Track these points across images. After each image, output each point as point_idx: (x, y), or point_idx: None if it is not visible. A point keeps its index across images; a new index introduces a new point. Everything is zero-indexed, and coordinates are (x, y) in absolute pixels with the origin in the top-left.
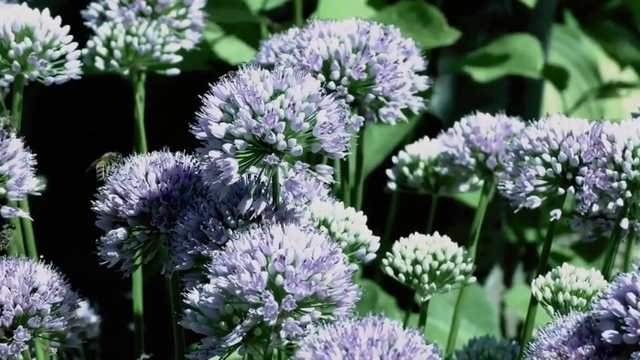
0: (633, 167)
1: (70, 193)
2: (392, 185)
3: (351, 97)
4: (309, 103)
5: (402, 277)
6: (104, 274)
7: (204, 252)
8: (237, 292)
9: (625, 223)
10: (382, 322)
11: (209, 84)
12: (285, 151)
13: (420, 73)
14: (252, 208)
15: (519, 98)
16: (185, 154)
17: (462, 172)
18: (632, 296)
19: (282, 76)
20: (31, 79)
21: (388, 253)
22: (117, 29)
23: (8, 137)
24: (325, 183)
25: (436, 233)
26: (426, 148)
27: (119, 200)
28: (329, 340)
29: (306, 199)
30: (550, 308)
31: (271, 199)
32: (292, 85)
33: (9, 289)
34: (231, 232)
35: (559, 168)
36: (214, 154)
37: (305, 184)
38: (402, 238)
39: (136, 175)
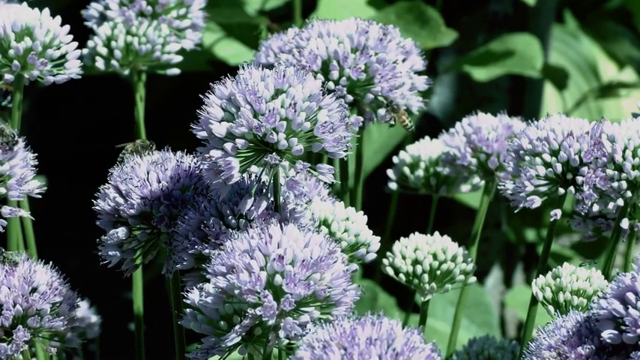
0: (633, 167)
1: (71, 192)
2: (392, 185)
3: (350, 97)
4: (310, 103)
5: (402, 277)
6: (104, 274)
7: (205, 251)
8: (236, 291)
9: (625, 223)
10: (381, 321)
11: (210, 84)
12: (286, 150)
13: (419, 73)
14: (252, 208)
15: (519, 98)
16: (186, 154)
17: (464, 173)
18: (631, 296)
19: (283, 76)
20: (31, 79)
21: (388, 253)
22: (117, 29)
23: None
24: (325, 183)
25: (436, 233)
26: (426, 148)
27: (120, 199)
28: (327, 339)
29: (307, 198)
30: (550, 308)
31: (272, 199)
32: (293, 85)
33: (8, 288)
34: (231, 231)
35: (559, 168)
36: (215, 153)
37: (305, 184)
38: (402, 238)
39: (137, 175)
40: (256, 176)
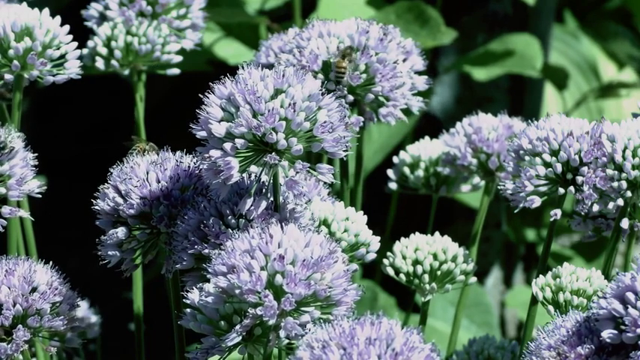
0: (633, 167)
1: (71, 192)
2: (393, 185)
3: (350, 97)
4: (310, 103)
5: (402, 277)
6: (104, 274)
7: (205, 251)
8: (237, 291)
9: (625, 223)
10: (380, 321)
11: (209, 84)
12: (285, 150)
13: (419, 73)
14: (252, 208)
15: (519, 98)
16: (185, 154)
17: (464, 173)
18: (631, 296)
19: (283, 76)
20: (30, 79)
21: (389, 253)
22: (117, 29)
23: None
24: (325, 183)
25: (437, 233)
26: (426, 148)
27: (119, 199)
28: (327, 339)
29: (307, 198)
30: (550, 308)
31: (272, 199)
32: (293, 85)
33: (8, 288)
34: (231, 231)
35: (559, 168)
36: (215, 153)
37: (305, 184)
38: (402, 238)
39: (137, 175)
40: (256, 176)
